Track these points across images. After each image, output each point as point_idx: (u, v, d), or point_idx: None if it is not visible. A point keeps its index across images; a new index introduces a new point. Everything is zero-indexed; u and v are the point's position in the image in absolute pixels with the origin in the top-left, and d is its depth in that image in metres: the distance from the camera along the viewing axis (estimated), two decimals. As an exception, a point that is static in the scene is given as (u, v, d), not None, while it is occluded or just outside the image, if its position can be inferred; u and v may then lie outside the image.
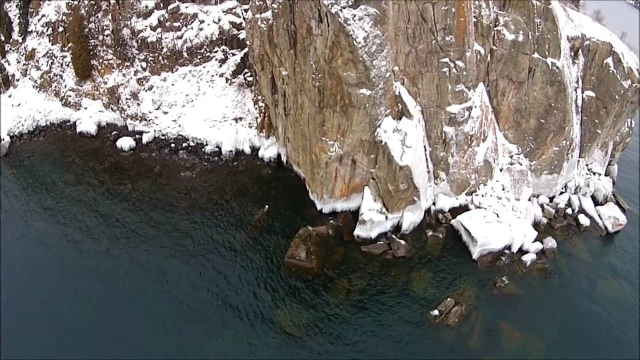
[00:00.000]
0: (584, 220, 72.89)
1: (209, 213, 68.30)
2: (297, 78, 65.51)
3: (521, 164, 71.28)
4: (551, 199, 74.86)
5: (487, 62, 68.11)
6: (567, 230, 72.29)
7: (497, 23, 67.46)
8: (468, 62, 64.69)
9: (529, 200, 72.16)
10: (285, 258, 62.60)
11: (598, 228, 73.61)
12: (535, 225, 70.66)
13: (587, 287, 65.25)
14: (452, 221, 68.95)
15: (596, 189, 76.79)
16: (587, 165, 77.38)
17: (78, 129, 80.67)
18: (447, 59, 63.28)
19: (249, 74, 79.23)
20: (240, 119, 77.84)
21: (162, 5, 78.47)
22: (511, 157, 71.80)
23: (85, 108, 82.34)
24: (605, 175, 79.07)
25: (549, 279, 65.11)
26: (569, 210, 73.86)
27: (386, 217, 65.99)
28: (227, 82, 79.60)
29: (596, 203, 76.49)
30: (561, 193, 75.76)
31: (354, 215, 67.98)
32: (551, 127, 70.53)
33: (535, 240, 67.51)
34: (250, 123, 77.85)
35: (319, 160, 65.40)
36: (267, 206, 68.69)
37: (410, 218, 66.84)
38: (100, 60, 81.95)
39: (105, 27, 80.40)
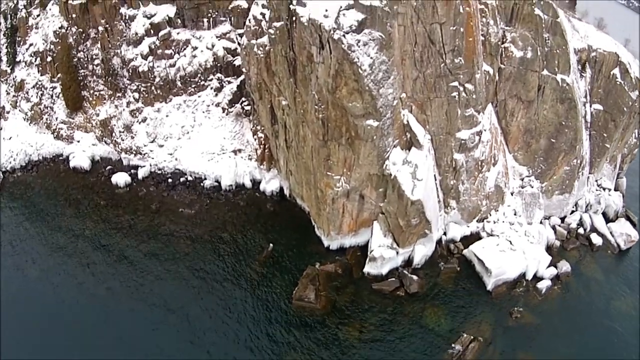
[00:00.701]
0: (596, 239, 64.03)
1: (211, 253, 58.44)
2: (298, 108, 55.54)
3: (532, 187, 61.89)
4: (562, 219, 65.63)
5: (495, 81, 58.78)
6: (580, 251, 63.68)
7: (504, 40, 57.94)
8: (478, 85, 55.06)
9: (541, 222, 63.07)
10: (293, 300, 53.73)
11: (610, 246, 64.87)
12: (549, 248, 61.83)
13: (603, 308, 58.00)
14: (465, 251, 59.65)
15: (607, 205, 67.66)
16: (596, 180, 68.16)
17: (71, 164, 70.09)
18: (456, 83, 53.73)
19: (246, 103, 68.55)
20: (239, 150, 67.40)
21: (152, 31, 67.67)
22: (522, 179, 62.39)
23: (78, 141, 71.90)
24: (615, 190, 70.03)
25: (565, 304, 57.23)
26: (580, 230, 64.82)
27: (397, 252, 56.50)
28: (223, 112, 69.00)
29: (607, 219, 67.42)
30: (572, 212, 66.43)
31: (362, 251, 58.57)
32: (562, 147, 61.13)
33: (549, 266, 59.11)
34: (249, 155, 67.40)
35: (324, 196, 55.62)
36: (271, 245, 58.73)
37: (422, 251, 57.45)
38: (91, 91, 71.33)
39: (94, 57, 69.97)
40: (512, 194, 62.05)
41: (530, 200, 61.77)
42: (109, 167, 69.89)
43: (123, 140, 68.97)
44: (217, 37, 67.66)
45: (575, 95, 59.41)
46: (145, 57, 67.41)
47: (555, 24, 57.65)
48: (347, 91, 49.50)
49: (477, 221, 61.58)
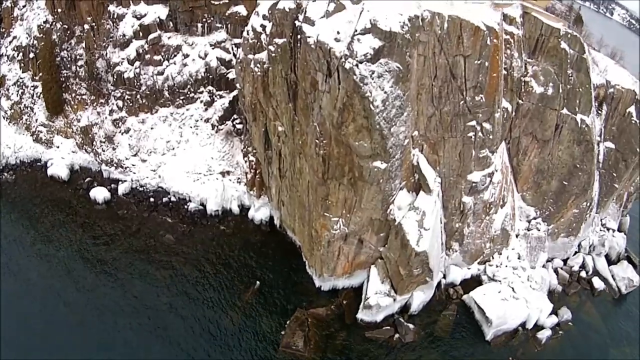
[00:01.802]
0: (598, 284, 53.50)
1: (192, 288, 45.67)
2: (296, 138, 43.02)
3: (539, 230, 50.38)
4: (565, 260, 54.53)
5: (512, 118, 47.20)
6: (581, 296, 53.34)
7: (525, 73, 46.28)
8: (496, 124, 43.39)
9: (544, 266, 52.00)
10: (280, 347, 42.15)
11: (611, 290, 54.60)
12: (550, 293, 50.88)
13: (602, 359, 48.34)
14: (465, 297, 48.37)
15: (610, 246, 56.65)
16: (601, 220, 56.99)
17: (49, 172, 55.88)
18: (474, 122, 41.65)
19: (238, 121, 54.76)
20: (228, 172, 53.66)
21: (141, 34, 53.75)
22: (529, 221, 50.78)
23: (58, 147, 57.80)
24: (619, 230, 58.70)
25: (564, 355, 47.22)
26: (583, 273, 53.90)
27: (394, 300, 44.82)
28: (213, 128, 55.03)
29: (609, 261, 56.64)
30: (575, 252, 55.21)
31: (356, 293, 46.73)
32: (574, 190, 49.67)
33: (550, 314, 48.44)
34: (239, 178, 53.66)
35: (319, 236, 43.39)
36: (258, 282, 46.17)
37: (420, 298, 45.94)
38: (73, 95, 57.17)
39: (78, 57, 55.91)
40: (517, 236, 50.66)
41: (535, 244, 50.47)
42: (88, 178, 55.69)
43: (104, 151, 55.16)
44: (211, 45, 53.57)
45: (593, 138, 48.29)
46: (131, 62, 53.46)
47: (581, 59, 45.79)
48: (355, 128, 37.28)
49: (478, 263, 50.09)
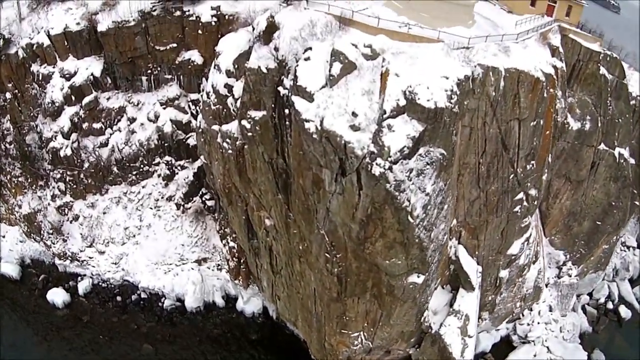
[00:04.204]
0: (625, 312, 40.23)
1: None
2: (292, 240, 26.17)
3: (570, 276, 36.42)
4: (590, 293, 40.54)
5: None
6: (610, 331, 39.95)
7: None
8: (542, 188, 28.55)
9: (573, 308, 39.28)
10: None
11: (638, 316, 40.78)
12: (581, 337, 37.40)
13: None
14: (499, 366, 35.25)
15: (633, 267, 43.07)
16: (620, 237, 43.67)
17: None
18: (521, 194, 26.24)
19: (208, 196, 36.11)
20: (205, 260, 35.62)
21: (73, 98, 34.02)
22: (559, 268, 36.05)
23: (4, 236, 38.15)
24: (638, 247, 44.37)
25: None
26: (609, 304, 40.12)
27: (428, 395, 31.33)
28: (178, 208, 36.21)
29: (632, 282, 42.58)
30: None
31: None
32: (607, 229, 35.11)
33: None
34: (218, 264, 35.81)
35: (335, 350, 27.47)
36: None
37: (454, 382, 32.71)
38: (8, 177, 37.33)
39: (6, 132, 36.13)
40: (547, 285, 37.00)
41: (567, 291, 36.44)
42: (42, 275, 36.62)
43: (54, 243, 36.10)
44: (161, 104, 34.29)
45: (630, 172, 34.14)
46: (67, 136, 33.80)
47: (621, 85, 30.72)
48: (385, 245, 21.22)
49: (506, 322, 36.44)
